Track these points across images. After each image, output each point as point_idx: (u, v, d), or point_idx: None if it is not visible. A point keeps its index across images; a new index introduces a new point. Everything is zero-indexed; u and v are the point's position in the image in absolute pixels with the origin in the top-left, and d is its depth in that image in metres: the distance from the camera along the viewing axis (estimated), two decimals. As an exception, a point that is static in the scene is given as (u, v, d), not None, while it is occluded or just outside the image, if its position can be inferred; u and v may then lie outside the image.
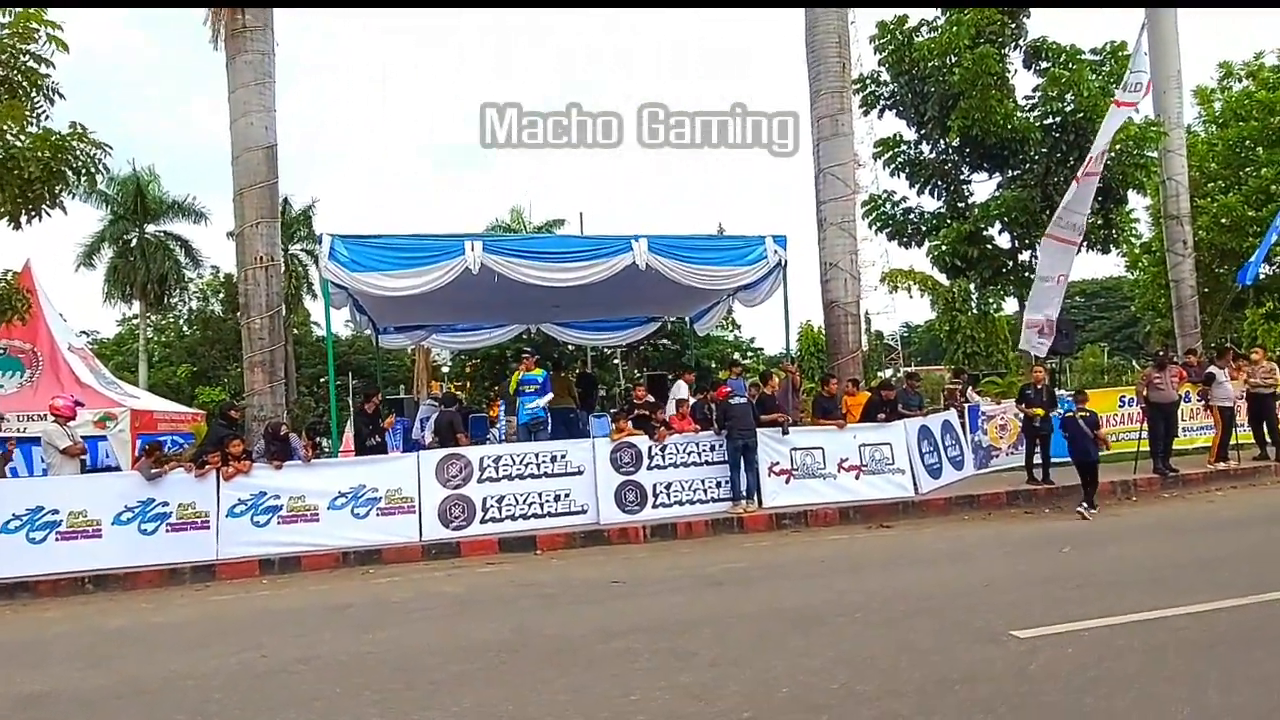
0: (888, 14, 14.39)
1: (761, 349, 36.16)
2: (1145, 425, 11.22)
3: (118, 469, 11.22)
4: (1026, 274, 14.21)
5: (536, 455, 9.79)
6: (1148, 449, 11.19)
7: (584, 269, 10.15)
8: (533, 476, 9.66)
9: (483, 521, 9.38)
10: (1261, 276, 16.38)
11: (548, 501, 9.62)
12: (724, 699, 4.27)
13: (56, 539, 8.45)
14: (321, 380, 35.72)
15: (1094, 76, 13.13)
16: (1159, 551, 7.51)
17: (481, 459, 9.67)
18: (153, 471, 8.79)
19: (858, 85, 14.50)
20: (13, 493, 8.71)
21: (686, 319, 16.29)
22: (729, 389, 10.39)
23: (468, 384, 29.05)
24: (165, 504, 8.73)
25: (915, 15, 14.20)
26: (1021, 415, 11.17)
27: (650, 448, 10.00)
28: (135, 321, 36.09)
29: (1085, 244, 13.53)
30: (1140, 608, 5.45)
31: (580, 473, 9.77)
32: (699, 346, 26.59)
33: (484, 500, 9.46)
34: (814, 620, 5.64)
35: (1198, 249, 15.95)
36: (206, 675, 5.12)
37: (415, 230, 10.19)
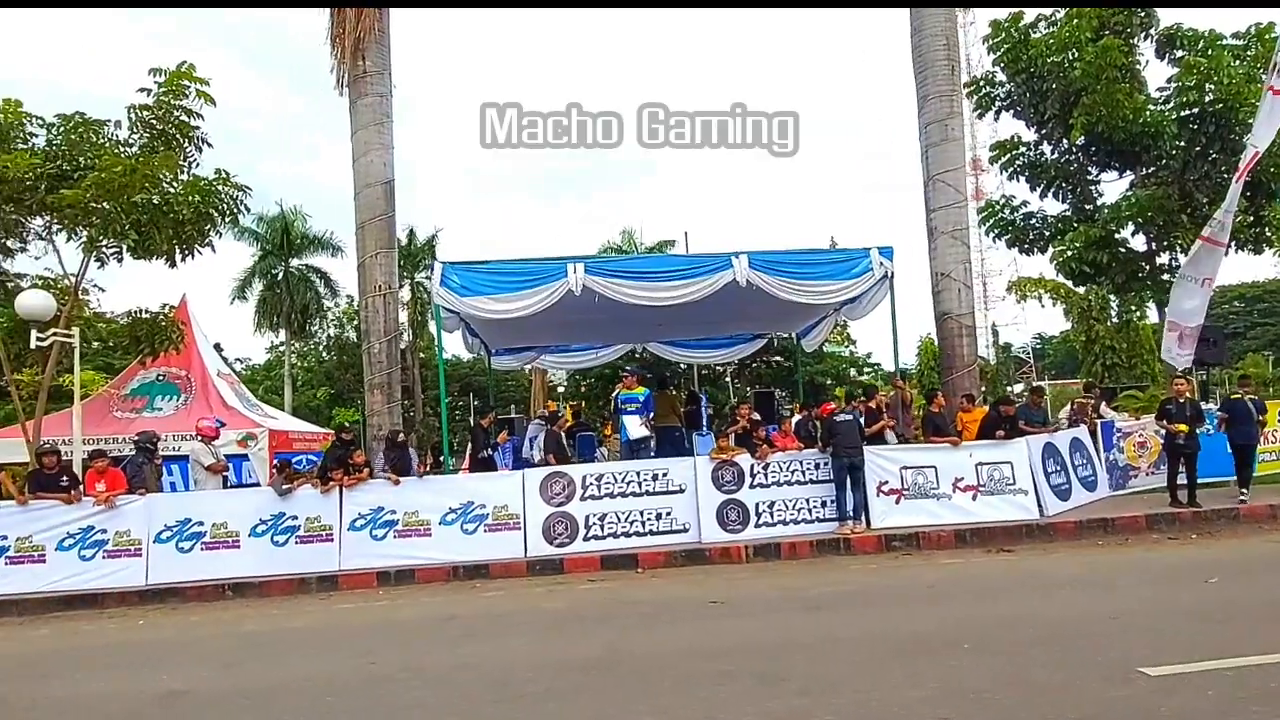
0: (999, 13, 13.74)
1: (879, 364, 34.98)
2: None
3: (257, 485, 12.15)
4: (1166, 278, 13.12)
5: (638, 473, 9.85)
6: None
7: (684, 287, 10.18)
8: (634, 495, 9.71)
9: (585, 539, 9.52)
10: None
11: (649, 520, 9.64)
12: (815, 726, 4.13)
13: (201, 549, 9.25)
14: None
15: (1237, 62, 12.01)
16: (1326, 584, 6.69)
17: (584, 477, 9.82)
18: (284, 487, 9.48)
19: (970, 87, 13.88)
20: (164, 506, 9.59)
21: (794, 335, 16.02)
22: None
23: (582, 403, 29.71)
24: (295, 518, 9.38)
25: (1031, 13, 13.51)
26: (1162, 432, 10.26)
27: (753, 466, 9.85)
28: (282, 348, 39.05)
29: (1233, 244, 12.35)
30: (1297, 647, 4.87)
31: (682, 491, 9.75)
32: (811, 363, 26.04)
33: (587, 518, 9.59)
34: (919, 648, 5.36)
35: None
36: (322, 679, 5.44)
37: (526, 255, 10.56)
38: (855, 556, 9.08)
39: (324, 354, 43.75)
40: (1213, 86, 11.86)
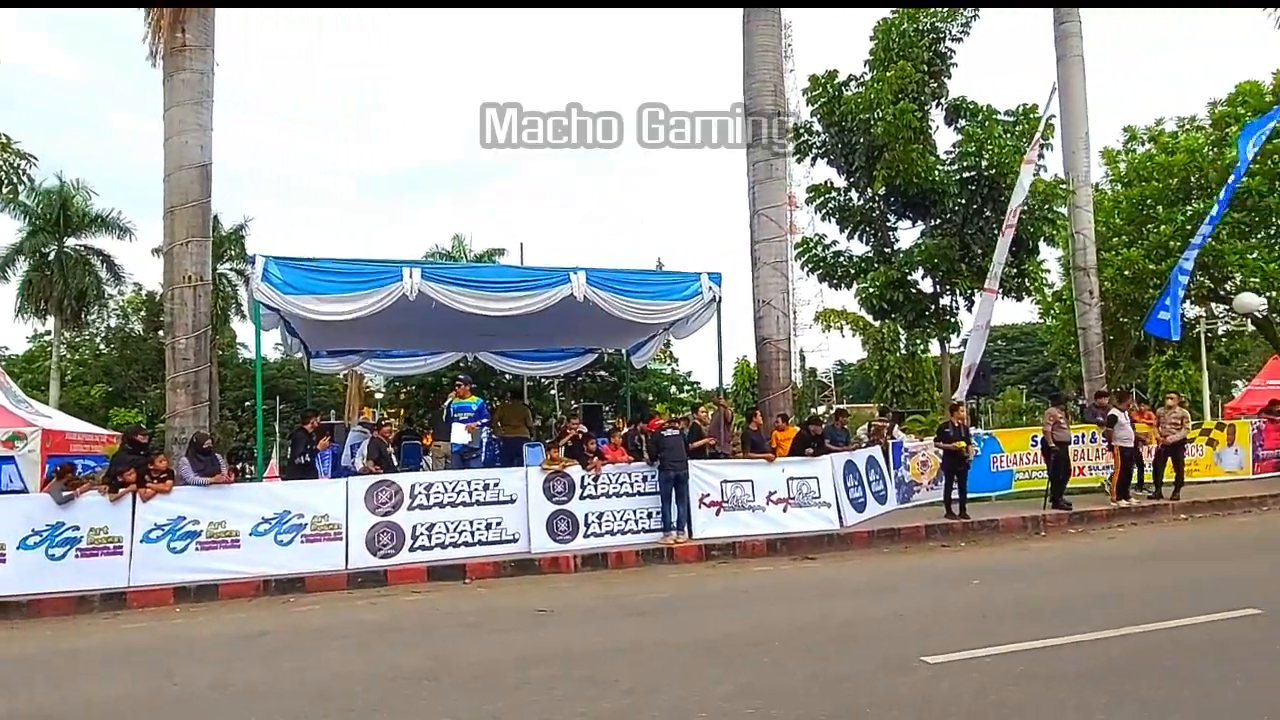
0: (818, 66, 15.11)
1: (698, 383, 36.57)
2: (1050, 463, 11.83)
3: (25, 491, 10.71)
4: (948, 318, 14.93)
5: (469, 483, 9.76)
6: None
7: (523, 299, 10.26)
8: (464, 504, 9.61)
9: (412, 549, 9.28)
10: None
11: (479, 530, 9.57)
12: (643, 723, 4.37)
13: (-47, 564, 8.02)
14: (247, 404, 34.59)
15: (1008, 136, 14.04)
16: (1061, 584, 7.92)
17: (413, 486, 9.58)
18: (64, 494, 8.45)
19: (792, 135, 15.14)
20: (-98, 514, 8.24)
21: (624, 351, 16.50)
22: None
23: (402, 410, 28.57)
24: (76, 528, 8.39)
25: (844, 71, 15.01)
26: (940, 452, 11.66)
27: (584, 477, 10.08)
28: (49, 338, 34.40)
29: (1001, 291, 14.30)
30: (1041, 635, 5.77)
31: (513, 501, 9.77)
32: (636, 379, 26.82)
33: (414, 528, 9.36)
34: (734, 650, 5.79)
35: (1104, 299, 16.94)
36: (114, 702, 4.97)
37: (351, 255, 10.16)
38: (677, 565, 9.54)
39: (102, 346, 39.02)
40: (988, 154, 13.76)
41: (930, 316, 14.82)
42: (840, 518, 10.96)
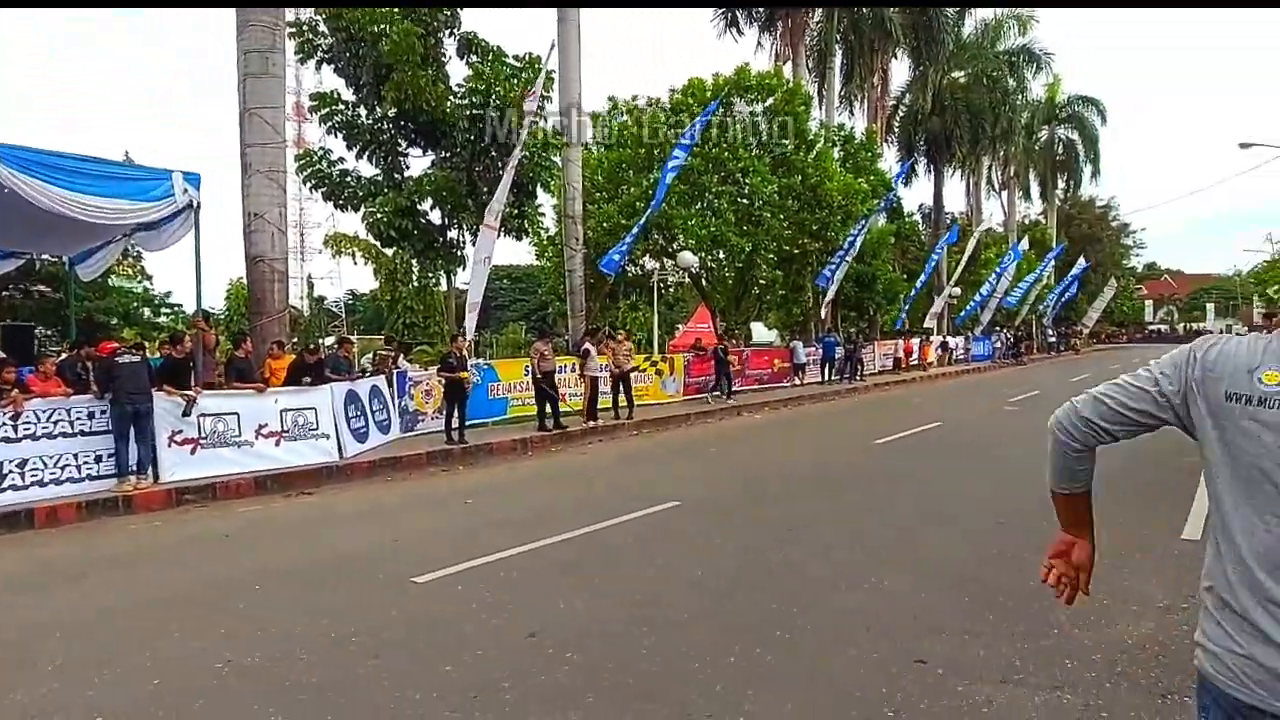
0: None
1: (180, 305, 31.63)
2: (537, 390, 13.15)
3: None
4: (455, 251, 15.31)
5: None
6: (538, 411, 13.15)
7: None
8: None
9: None
10: (624, 270, 20.81)
11: None
12: (76, 709, 3.57)
13: None
14: None
15: (515, 80, 14.77)
16: (542, 496, 8.89)
17: None
18: None
19: (294, 29, 13.57)
20: None
21: (64, 259, 13.15)
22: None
23: None
24: None
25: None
26: (443, 381, 12.00)
27: (-4, 418, 7.80)
28: None
29: (502, 230, 15.17)
30: (522, 542, 6.36)
31: None
32: (91, 297, 21.87)
33: None
34: (207, 601, 5.14)
35: (587, 246, 19.29)
36: None
37: None
38: (139, 515, 8.07)
39: None
40: (496, 95, 14.27)
41: (439, 248, 15.00)
42: (341, 449, 10.56)
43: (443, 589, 5.27)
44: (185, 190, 9.13)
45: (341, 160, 14.56)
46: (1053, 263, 43.11)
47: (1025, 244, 40.80)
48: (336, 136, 14.33)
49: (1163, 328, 78.75)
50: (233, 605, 5.01)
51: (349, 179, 14.60)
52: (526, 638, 4.36)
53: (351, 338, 18.19)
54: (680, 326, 40.69)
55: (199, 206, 9.39)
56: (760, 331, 33.67)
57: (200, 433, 9.18)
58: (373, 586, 5.37)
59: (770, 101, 21.59)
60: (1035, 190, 49.96)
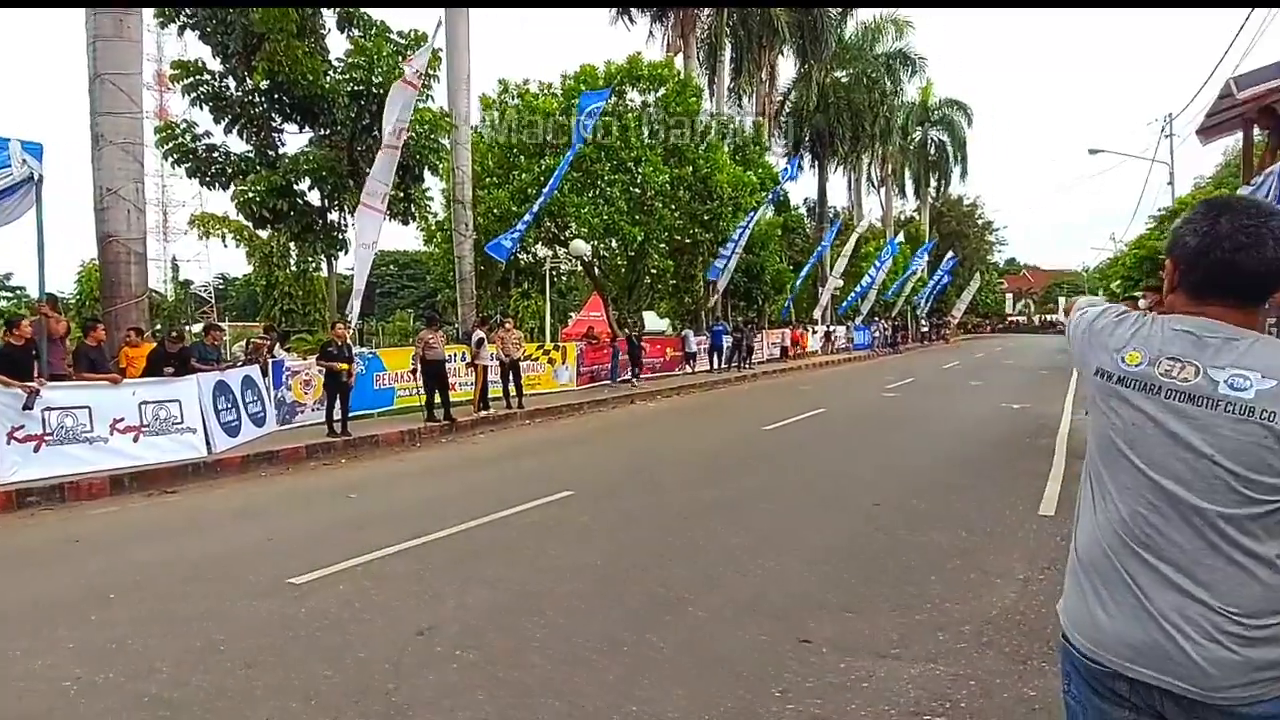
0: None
1: (22, 288, 28.84)
2: (425, 380, 12.75)
3: None
4: (336, 234, 14.59)
5: None
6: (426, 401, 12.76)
7: None
8: None
9: None
10: (516, 257, 20.52)
11: None
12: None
13: None
14: None
15: (399, 57, 14.16)
16: (430, 488, 8.62)
17: None
18: None
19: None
20: None
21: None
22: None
23: None
24: None
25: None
26: (323, 370, 11.44)
27: None
28: None
29: (389, 214, 14.58)
30: (407, 537, 6.14)
31: None
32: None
33: None
34: (52, 614, 4.68)
35: (477, 232, 18.84)
36: None
37: None
38: (-31, 522, 7.28)
39: None
40: (379, 71, 13.62)
41: (319, 231, 14.22)
42: (210, 444, 9.90)
43: (323, 589, 5.01)
44: (24, 161, 8.25)
45: (208, 134, 13.54)
46: (925, 257, 45.61)
47: (901, 238, 43.02)
48: (202, 109, 13.30)
49: (1021, 319, 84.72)
50: (82, 617, 4.59)
51: (217, 155, 13.60)
52: (415, 636, 4.20)
53: (222, 325, 17.09)
54: (574, 315, 40.57)
55: (41, 179, 8.52)
56: (652, 320, 34.00)
57: (45, 428, 8.37)
58: (244, 590, 5.04)
59: (662, 92, 21.71)
60: (910, 188, 52.62)
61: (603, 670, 3.75)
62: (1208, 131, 9.40)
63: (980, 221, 65.42)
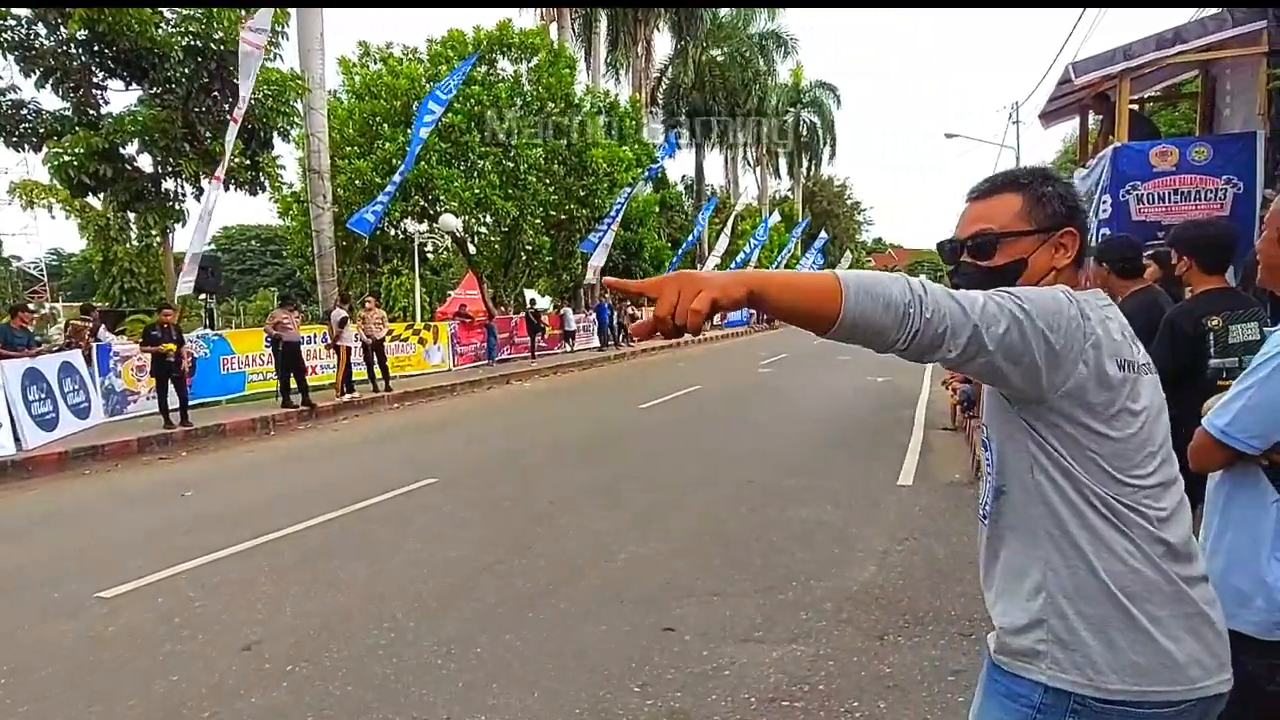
0: None
1: None
2: (278, 363, 11.84)
3: None
4: (173, 204, 13.28)
5: None
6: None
7: None
8: None
9: None
10: (384, 232, 19.52)
11: None
12: None
13: None
14: None
15: (245, 13, 12.91)
16: (283, 480, 7.94)
17: None
18: None
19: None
20: None
21: None
22: None
23: None
24: None
25: None
26: (150, 355, 10.35)
27: None
28: None
29: (233, 184, 13.41)
30: (251, 536, 5.60)
31: None
32: None
33: None
34: None
35: (337, 204, 17.70)
36: None
37: None
38: None
39: None
40: (221, 26, 12.37)
41: (151, 200, 12.83)
42: (19, 439, 8.79)
43: (138, 604, 4.45)
44: None
45: (16, 89, 11.90)
46: (799, 235, 47.05)
47: (776, 217, 44.11)
48: (6, 59, 11.66)
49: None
50: None
51: (25, 112, 11.99)
52: (240, 652, 3.77)
53: (32, 305, 15.28)
54: (451, 293, 39.26)
55: None
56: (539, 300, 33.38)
57: None
58: (40, 610, 4.41)
59: (535, 62, 21.05)
60: (784, 167, 53.98)
61: (451, 677, 3.47)
62: (1049, 116, 9.91)
63: (849, 202, 68.17)
